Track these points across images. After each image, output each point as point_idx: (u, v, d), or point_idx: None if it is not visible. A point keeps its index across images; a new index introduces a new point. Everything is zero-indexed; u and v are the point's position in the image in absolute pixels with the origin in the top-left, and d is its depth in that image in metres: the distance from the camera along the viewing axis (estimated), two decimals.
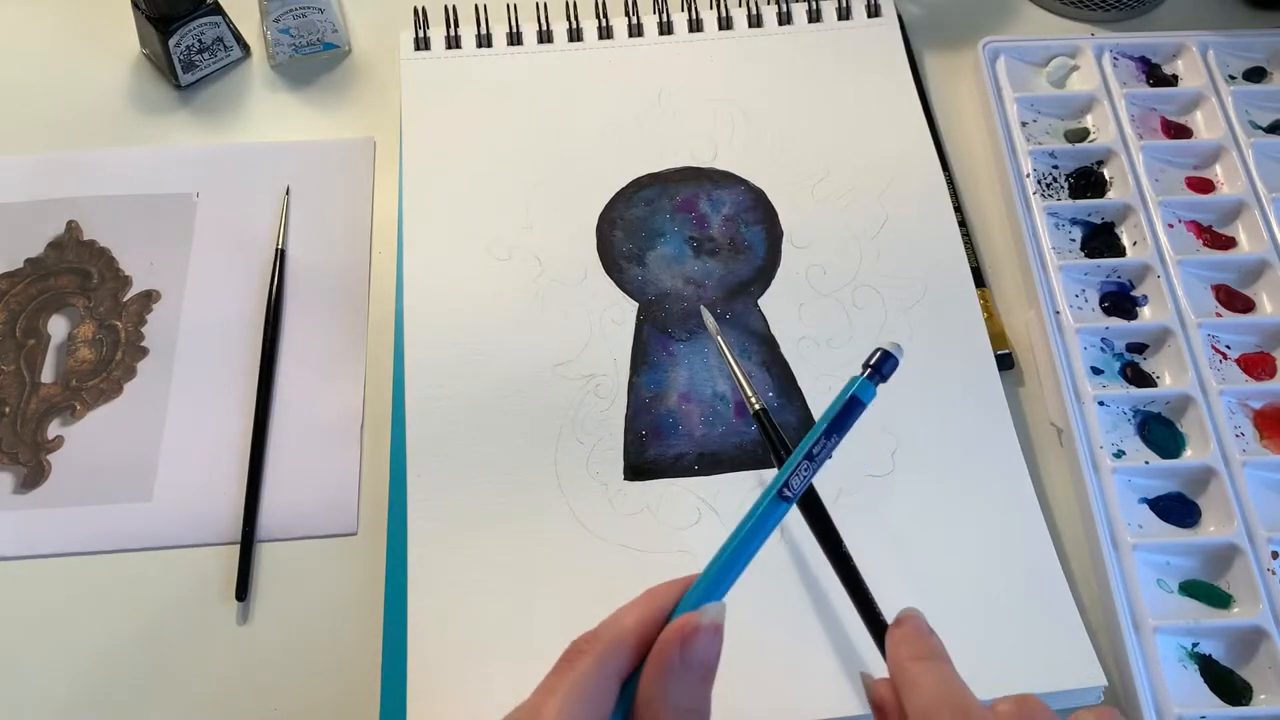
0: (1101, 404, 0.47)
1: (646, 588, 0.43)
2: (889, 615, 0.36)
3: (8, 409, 0.49)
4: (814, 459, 0.32)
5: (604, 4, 0.60)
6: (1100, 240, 0.52)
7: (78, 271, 0.53)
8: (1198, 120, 0.56)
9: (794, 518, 0.45)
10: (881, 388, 0.48)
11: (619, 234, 0.53)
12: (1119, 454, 0.46)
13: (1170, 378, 0.48)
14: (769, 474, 0.47)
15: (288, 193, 0.55)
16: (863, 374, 0.34)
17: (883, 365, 0.33)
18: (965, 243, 0.53)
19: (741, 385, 0.42)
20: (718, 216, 0.54)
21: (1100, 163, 0.55)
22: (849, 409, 0.33)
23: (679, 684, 0.28)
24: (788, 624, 0.43)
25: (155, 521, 0.46)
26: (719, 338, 0.44)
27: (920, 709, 0.28)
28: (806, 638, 0.42)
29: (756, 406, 0.42)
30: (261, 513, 0.46)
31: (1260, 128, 0.56)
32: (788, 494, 0.32)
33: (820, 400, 0.48)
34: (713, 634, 0.29)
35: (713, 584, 0.30)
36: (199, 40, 0.57)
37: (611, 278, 0.52)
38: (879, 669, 0.35)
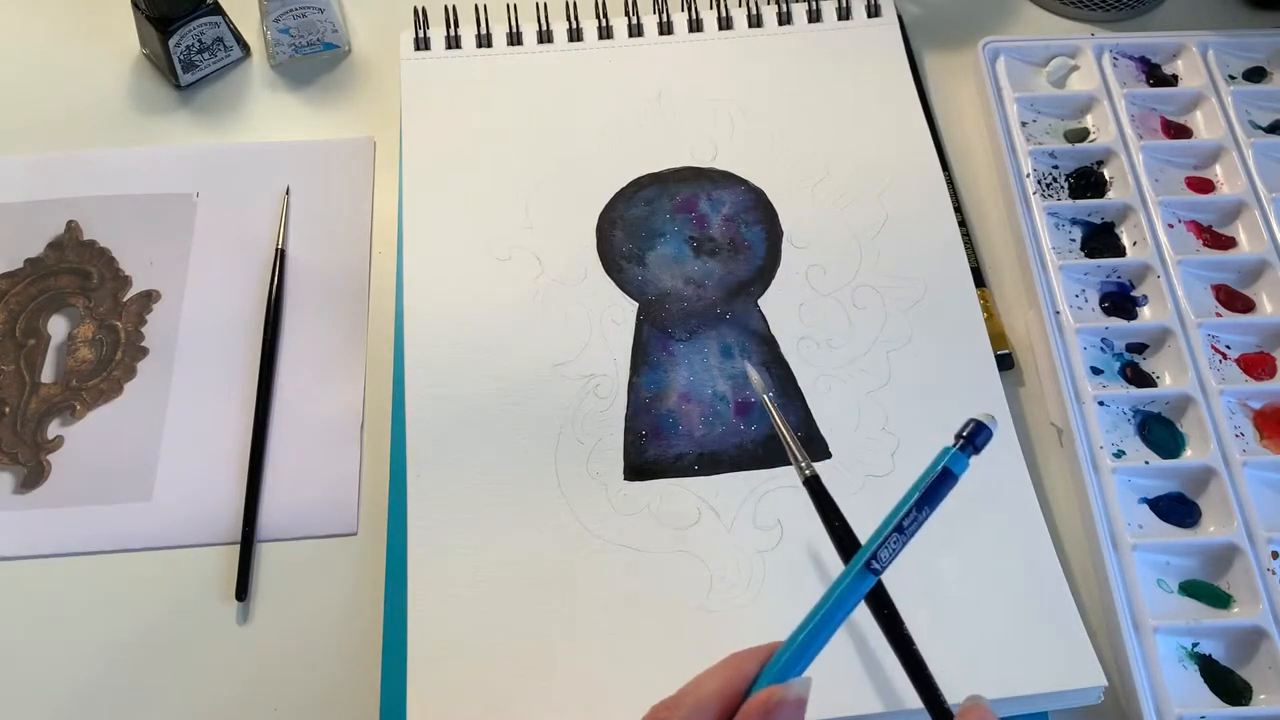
0: (1101, 404, 0.47)
1: (646, 589, 0.43)
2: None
3: (8, 409, 0.49)
4: (904, 531, 0.31)
5: (604, 4, 0.60)
6: (1100, 240, 0.52)
7: (78, 271, 0.53)
8: (1198, 120, 0.56)
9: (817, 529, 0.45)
10: (886, 393, 0.48)
11: (619, 234, 0.53)
12: (1119, 454, 0.46)
13: (1170, 378, 0.48)
14: (770, 474, 0.46)
15: (288, 193, 0.55)
16: (955, 445, 0.33)
17: (976, 437, 0.32)
18: (965, 243, 0.53)
19: (793, 451, 0.39)
20: (718, 216, 0.54)
21: (1100, 163, 0.55)
22: (940, 481, 0.32)
23: None
24: (784, 624, 0.43)
25: (155, 521, 0.46)
26: (765, 395, 0.41)
27: None
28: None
29: (807, 474, 0.39)
30: (261, 513, 0.46)
31: (1260, 128, 0.56)
32: (875, 566, 0.31)
33: (820, 400, 0.48)
34: (797, 707, 0.28)
35: (796, 655, 0.30)
36: (199, 40, 0.57)
37: (611, 278, 0.52)
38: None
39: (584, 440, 0.47)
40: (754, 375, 0.43)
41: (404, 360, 0.49)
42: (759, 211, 0.54)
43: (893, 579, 0.43)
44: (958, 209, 0.54)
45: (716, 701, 0.29)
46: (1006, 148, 0.54)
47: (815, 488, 0.39)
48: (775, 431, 0.47)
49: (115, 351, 0.51)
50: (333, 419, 0.49)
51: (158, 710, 0.42)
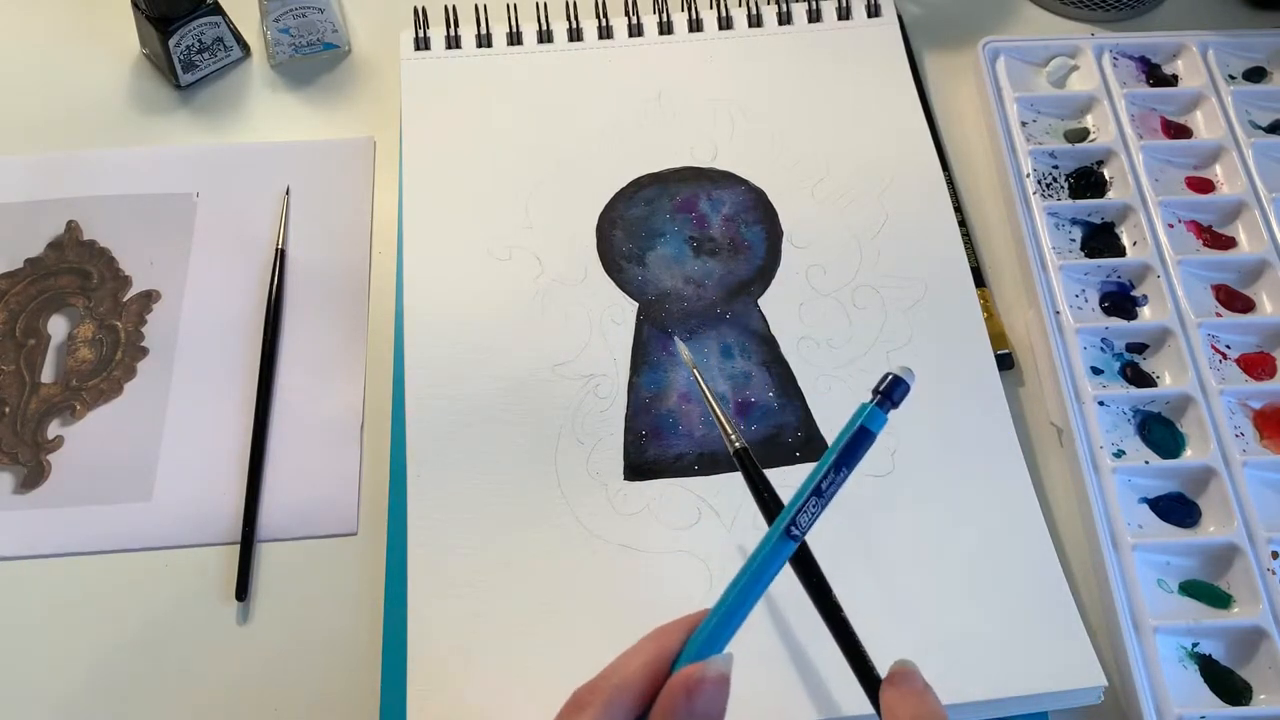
0: (1101, 404, 0.47)
1: (646, 588, 0.43)
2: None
3: (8, 409, 0.49)
4: (822, 494, 0.30)
5: (604, 4, 0.60)
6: (1100, 240, 0.52)
7: (78, 271, 0.53)
8: (1198, 120, 0.56)
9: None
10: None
11: (619, 234, 0.53)
12: (1119, 454, 0.46)
13: (1170, 378, 0.48)
14: (770, 474, 0.46)
15: (288, 193, 0.55)
16: (872, 400, 0.32)
17: (893, 391, 0.31)
18: (965, 243, 0.53)
19: (720, 421, 0.39)
20: (718, 216, 0.54)
21: (1100, 163, 0.55)
22: (858, 440, 0.31)
23: None
24: (785, 623, 0.43)
25: (155, 521, 0.46)
26: (695, 370, 0.42)
27: None
28: (803, 637, 0.42)
29: (737, 445, 0.39)
30: (261, 513, 0.46)
31: (1260, 128, 0.56)
32: (795, 532, 0.30)
33: (820, 400, 0.48)
34: (719, 685, 0.28)
35: (718, 627, 0.29)
36: (199, 40, 0.57)
37: (611, 278, 0.52)
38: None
39: (584, 440, 0.47)
40: (683, 349, 0.44)
41: (404, 360, 0.49)
42: (759, 211, 0.54)
43: (893, 578, 0.43)
44: (958, 209, 0.54)
45: (639, 682, 0.28)
46: (1006, 148, 0.54)
47: (744, 460, 0.38)
48: (771, 434, 0.47)
49: (115, 351, 0.51)
50: (333, 419, 0.49)
51: (158, 710, 0.42)
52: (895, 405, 0.31)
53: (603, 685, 0.28)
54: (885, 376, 0.31)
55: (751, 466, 0.39)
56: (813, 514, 0.30)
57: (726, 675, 0.28)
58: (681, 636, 0.29)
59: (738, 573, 0.31)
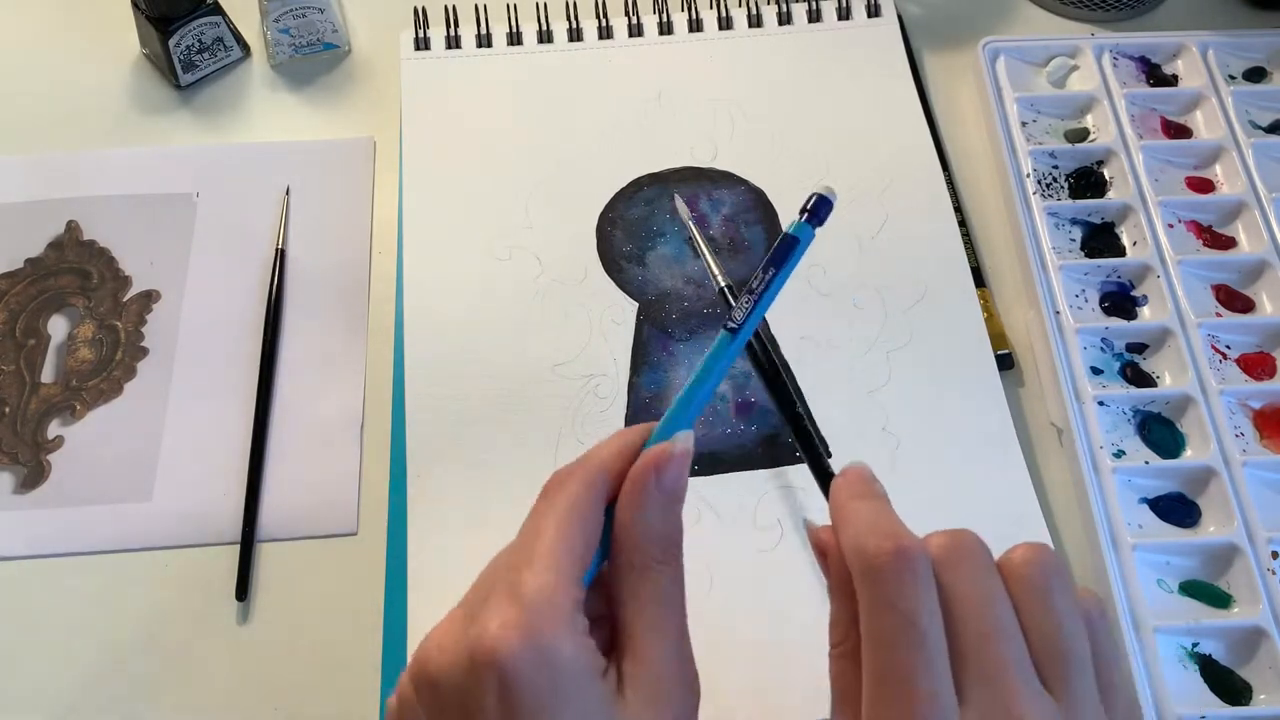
0: (1101, 404, 0.47)
1: None
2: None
3: (8, 409, 0.49)
4: (753, 292, 0.33)
5: (604, 4, 0.60)
6: (1100, 240, 0.52)
7: (78, 271, 0.53)
8: (1198, 120, 0.56)
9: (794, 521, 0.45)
10: (886, 393, 0.48)
11: (619, 234, 0.53)
12: (1119, 454, 0.46)
13: (1170, 378, 0.48)
14: (770, 474, 0.47)
15: (288, 193, 0.55)
16: (800, 219, 0.34)
17: (819, 209, 0.34)
18: (965, 243, 0.53)
19: (709, 263, 0.44)
20: (718, 216, 0.54)
21: (1100, 163, 0.55)
22: (785, 245, 0.34)
23: (654, 508, 0.29)
24: (784, 624, 0.43)
25: (155, 521, 0.46)
26: (690, 223, 0.46)
27: (852, 540, 0.29)
28: (803, 638, 0.42)
29: (722, 283, 0.43)
30: (261, 513, 0.46)
31: (1260, 128, 0.56)
32: (731, 325, 0.33)
33: (820, 400, 0.48)
34: (684, 458, 0.30)
35: (674, 420, 0.32)
36: (199, 40, 0.57)
37: (611, 278, 0.52)
38: None
39: (584, 440, 0.47)
40: (680, 204, 0.47)
41: (404, 360, 0.49)
42: (759, 211, 0.54)
43: None
44: (958, 209, 0.54)
45: (614, 461, 0.30)
46: (1006, 148, 0.54)
47: (726, 298, 0.43)
48: (771, 434, 0.47)
49: (115, 351, 0.51)
50: (333, 419, 0.49)
51: (158, 710, 0.42)
52: (820, 223, 0.34)
53: (580, 465, 0.30)
54: (811, 196, 0.34)
55: (731, 295, 0.43)
56: (745, 309, 0.33)
57: (690, 450, 0.30)
58: (643, 434, 0.31)
59: (690, 376, 0.33)
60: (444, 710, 0.27)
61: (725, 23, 0.60)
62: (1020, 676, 0.26)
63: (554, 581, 0.27)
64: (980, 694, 0.26)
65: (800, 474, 0.46)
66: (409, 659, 0.29)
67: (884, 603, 0.27)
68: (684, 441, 0.30)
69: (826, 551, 0.31)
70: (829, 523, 0.31)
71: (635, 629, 0.29)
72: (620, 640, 0.29)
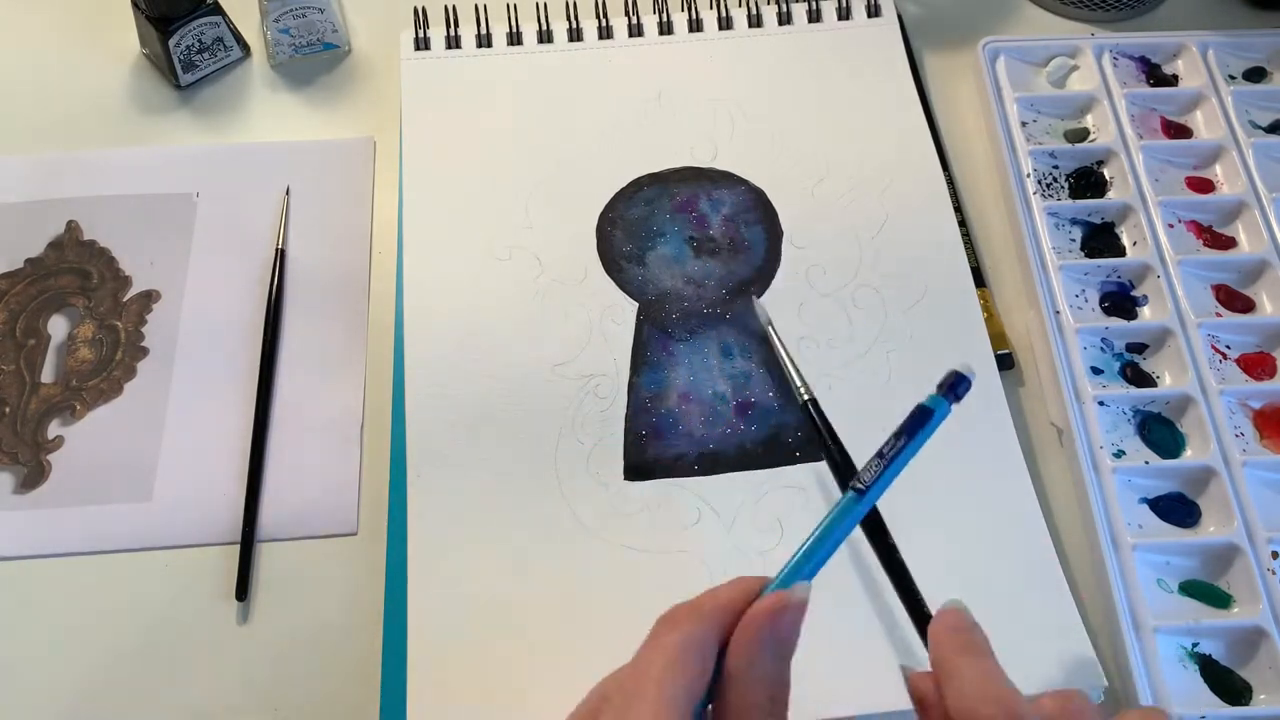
0: (1101, 404, 0.47)
1: (646, 588, 0.43)
2: (933, 608, 0.36)
3: (8, 409, 0.49)
4: (883, 456, 0.34)
5: (604, 4, 0.60)
6: (1100, 240, 0.52)
7: (78, 271, 0.53)
8: (1198, 120, 0.56)
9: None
10: (886, 393, 0.48)
11: (619, 234, 0.53)
12: (1119, 454, 0.46)
13: (1170, 378, 0.48)
14: (770, 474, 0.47)
15: (288, 193, 0.55)
16: (936, 392, 0.35)
17: (957, 386, 0.35)
18: (965, 243, 0.53)
19: (792, 375, 0.46)
20: (718, 216, 0.54)
21: (1100, 163, 0.55)
22: (917, 416, 0.35)
23: (765, 656, 0.29)
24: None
25: (155, 521, 0.46)
26: (771, 328, 0.48)
27: (961, 703, 0.28)
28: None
29: (805, 397, 0.45)
30: (261, 513, 0.46)
31: (1260, 128, 0.56)
32: (859, 486, 0.33)
33: (820, 400, 0.48)
34: (800, 610, 0.30)
35: (795, 571, 0.32)
36: (199, 40, 0.57)
37: (612, 278, 0.52)
38: (922, 663, 0.35)
39: (584, 440, 0.47)
40: (759, 306, 0.49)
41: (404, 360, 0.49)
42: (759, 211, 0.54)
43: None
44: (958, 209, 0.54)
45: (732, 603, 0.30)
46: (1006, 148, 0.54)
47: (811, 412, 0.45)
48: (771, 434, 0.47)
49: (115, 351, 0.51)
50: (333, 419, 0.49)
51: (158, 710, 0.42)
52: (958, 399, 0.35)
53: (697, 603, 0.30)
54: (949, 373, 0.35)
55: (821, 418, 0.45)
56: (874, 472, 0.33)
57: (806, 601, 0.30)
58: (762, 581, 0.31)
59: (812, 531, 0.33)
60: None
61: (725, 23, 0.60)
62: None
63: (664, 716, 0.27)
64: None
65: (800, 474, 0.46)
66: None
67: None
68: (802, 592, 0.30)
69: (926, 705, 0.30)
70: (926, 668, 0.30)
71: None
72: None
